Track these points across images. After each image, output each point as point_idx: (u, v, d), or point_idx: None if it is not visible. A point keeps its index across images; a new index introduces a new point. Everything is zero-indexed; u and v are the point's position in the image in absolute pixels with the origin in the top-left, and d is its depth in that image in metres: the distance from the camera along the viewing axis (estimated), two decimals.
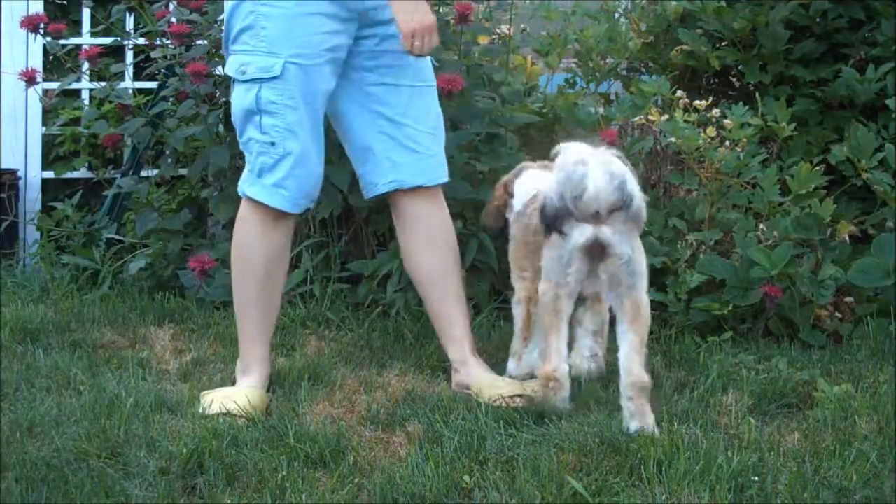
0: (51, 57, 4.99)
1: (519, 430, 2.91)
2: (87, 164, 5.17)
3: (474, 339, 3.42)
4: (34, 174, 5.13)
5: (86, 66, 4.61)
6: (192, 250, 4.30)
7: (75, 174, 5.19)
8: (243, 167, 3.29)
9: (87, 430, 2.91)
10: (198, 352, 3.70)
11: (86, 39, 5.10)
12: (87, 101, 5.18)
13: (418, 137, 3.31)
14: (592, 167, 2.84)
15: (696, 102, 4.08)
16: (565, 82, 4.78)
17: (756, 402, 3.18)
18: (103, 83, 4.69)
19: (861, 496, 2.59)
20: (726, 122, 4.01)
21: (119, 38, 4.81)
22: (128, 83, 5.00)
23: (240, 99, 3.20)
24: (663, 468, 2.66)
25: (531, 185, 3.36)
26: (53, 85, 4.92)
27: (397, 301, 3.95)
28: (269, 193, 3.20)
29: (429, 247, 3.38)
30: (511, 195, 3.43)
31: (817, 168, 4.02)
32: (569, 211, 2.86)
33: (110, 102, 4.89)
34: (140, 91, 5.02)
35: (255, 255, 3.26)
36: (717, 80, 4.87)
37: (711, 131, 3.97)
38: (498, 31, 4.59)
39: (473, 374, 3.29)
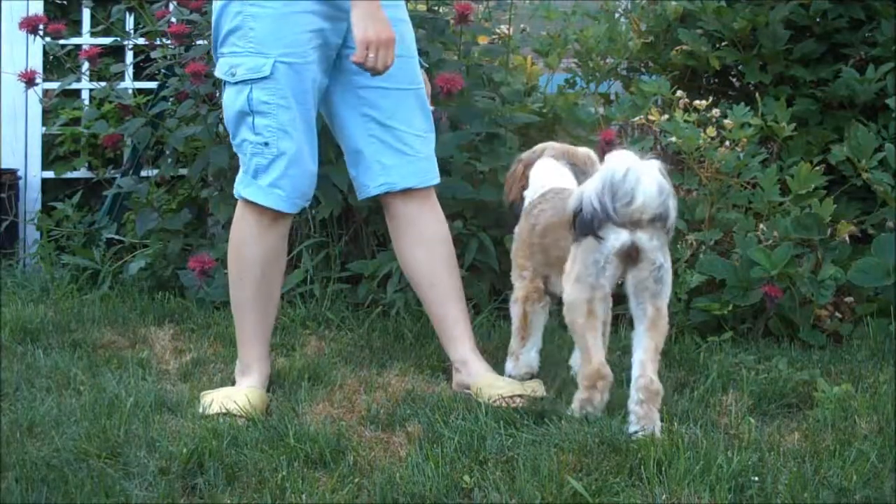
0: (51, 57, 4.99)
1: (519, 430, 2.91)
2: (87, 164, 5.17)
3: (475, 338, 3.41)
4: (34, 174, 5.13)
5: (86, 66, 4.61)
6: (192, 250, 4.30)
7: (75, 174, 5.19)
8: None
9: (87, 430, 2.91)
10: (198, 352, 3.70)
11: (86, 39, 5.10)
12: (87, 101, 5.18)
13: (408, 140, 3.31)
14: (645, 177, 2.86)
15: (696, 102, 4.08)
16: (565, 82, 4.78)
17: (756, 402, 3.18)
18: (103, 83, 4.69)
19: (861, 496, 2.59)
20: (726, 122, 4.01)
21: (119, 38, 4.81)
22: (128, 83, 5.00)
23: (231, 101, 3.20)
24: (663, 468, 2.66)
25: (544, 178, 3.37)
26: (53, 85, 4.92)
27: (397, 301, 3.96)
28: (265, 194, 3.20)
29: (423, 248, 3.37)
30: (526, 178, 3.43)
31: (817, 168, 4.02)
32: (608, 215, 2.87)
33: (110, 102, 4.89)
34: (140, 91, 5.02)
35: (251, 255, 3.26)
36: (717, 80, 4.87)
37: (711, 131, 3.97)
38: (498, 31, 4.59)
39: (474, 373, 3.29)
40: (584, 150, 3.46)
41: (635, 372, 2.96)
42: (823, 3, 4.49)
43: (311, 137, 3.24)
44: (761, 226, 3.91)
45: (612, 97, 4.90)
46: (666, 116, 4.06)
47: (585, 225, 2.90)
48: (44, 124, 5.17)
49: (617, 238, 2.91)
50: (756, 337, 3.79)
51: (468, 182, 4.09)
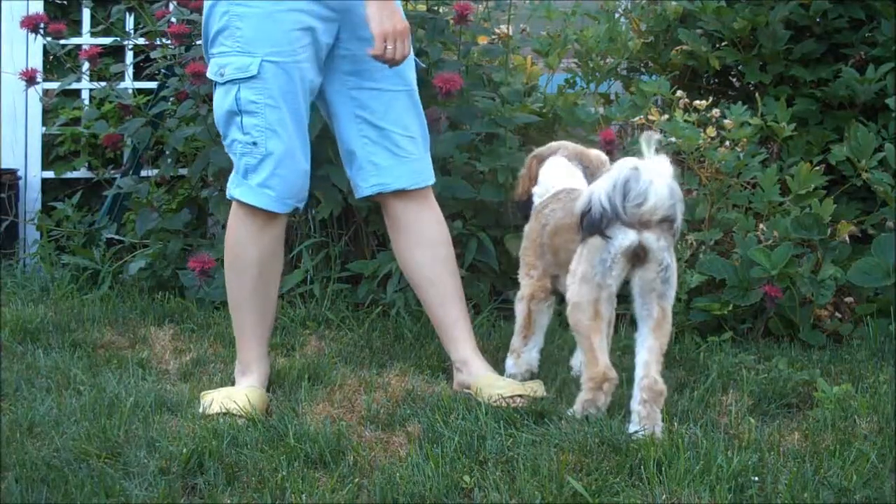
0: (51, 57, 4.99)
1: (519, 430, 2.91)
2: (87, 164, 5.17)
3: (475, 338, 3.41)
4: (34, 174, 5.13)
5: (86, 66, 4.61)
6: (192, 250, 4.30)
7: (75, 174, 5.18)
8: None
9: (87, 430, 2.92)
10: (198, 352, 3.70)
11: (86, 39, 5.10)
12: (87, 101, 5.18)
13: (400, 141, 3.31)
14: (657, 179, 2.88)
15: (696, 102, 4.08)
16: (565, 82, 4.78)
17: (756, 402, 3.18)
18: (103, 83, 4.69)
19: (861, 496, 2.59)
20: (726, 122, 4.01)
21: (119, 38, 4.81)
22: (128, 83, 5.00)
23: (220, 101, 3.20)
24: (663, 468, 2.66)
25: (556, 177, 3.37)
26: (53, 85, 4.92)
27: (397, 301, 3.96)
28: (255, 194, 3.20)
29: (422, 249, 3.37)
30: (536, 176, 3.43)
31: (817, 168, 4.02)
32: (617, 214, 2.88)
33: (110, 102, 4.89)
34: (140, 91, 5.02)
35: (247, 256, 3.25)
36: (717, 80, 4.87)
37: (711, 131, 3.97)
38: (497, 30, 4.59)
39: (475, 373, 3.29)
40: (596, 153, 3.47)
41: (639, 372, 2.96)
42: (823, 3, 4.49)
43: (303, 136, 3.23)
44: (761, 226, 3.91)
45: (612, 97, 4.90)
46: (666, 116, 4.06)
47: (593, 224, 2.90)
48: (44, 124, 5.17)
49: (625, 237, 2.91)
50: (756, 337, 3.79)
51: (468, 182, 4.09)
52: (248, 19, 3.13)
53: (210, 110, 4.29)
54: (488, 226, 4.13)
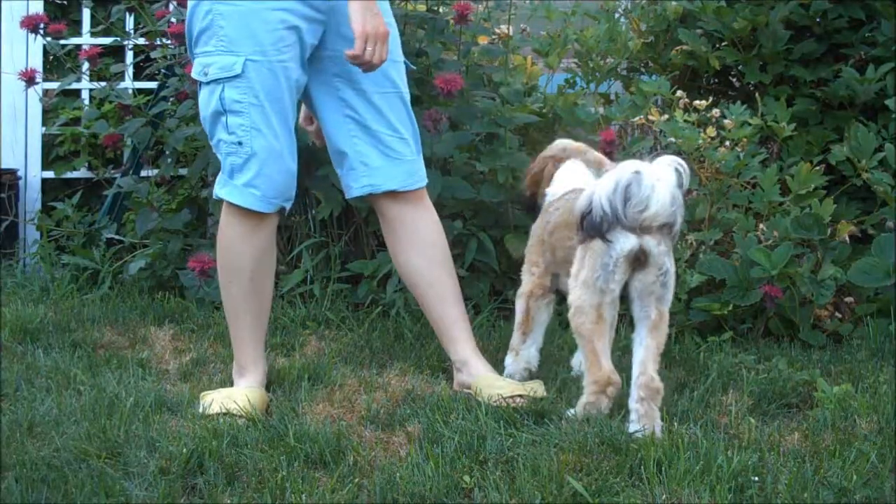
0: (51, 57, 4.98)
1: (519, 430, 2.91)
2: (87, 164, 5.17)
3: (475, 338, 3.41)
4: (34, 174, 5.13)
5: (86, 66, 4.61)
6: (192, 250, 4.30)
7: (75, 174, 5.18)
8: None
9: (87, 430, 2.92)
10: (198, 352, 3.70)
11: (86, 39, 5.10)
12: (87, 101, 5.18)
13: (391, 143, 3.30)
14: (659, 185, 2.87)
15: (696, 102, 4.08)
16: (565, 82, 4.78)
17: (756, 402, 3.18)
18: (103, 83, 4.69)
19: (861, 496, 2.59)
20: (726, 122, 4.01)
21: (119, 38, 4.81)
22: (128, 83, 5.00)
23: (206, 101, 3.19)
24: (663, 468, 2.66)
25: (568, 180, 3.37)
26: (53, 85, 4.92)
27: (397, 301, 3.96)
28: (240, 194, 3.19)
29: (418, 251, 3.37)
30: (551, 177, 3.43)
31: (817, 168, 4.02)
32: (617, 219, 2.88)
33: (110, 102, 4.89)
34: (140, 91, 5.02)
35: (239, 257, 3.24)
36: (717, 80, 4.87)
37: (711, 131, 3.97)
38: (497, 30, 4.59)
39: (475, 373, 3.29)
40: (611, 164, 3.46)
41: (636, 370, 2.97)
42: (823, 3, 4.49)
43: (289, 136, 3.22)
44: (761, 226, 3.91)
45: (612, 97, 4.90)
46: (666, 116, 4.06)
47: (594, 227, 2.90)
48: (44, 124, 5.17)
49: (626, 242, 2.92)
50: (756, 337, 3.79)
51: (468, 182, 4.09)
52: (232, 18, 3.11)
53: None
54: (488, 226, 4.13)
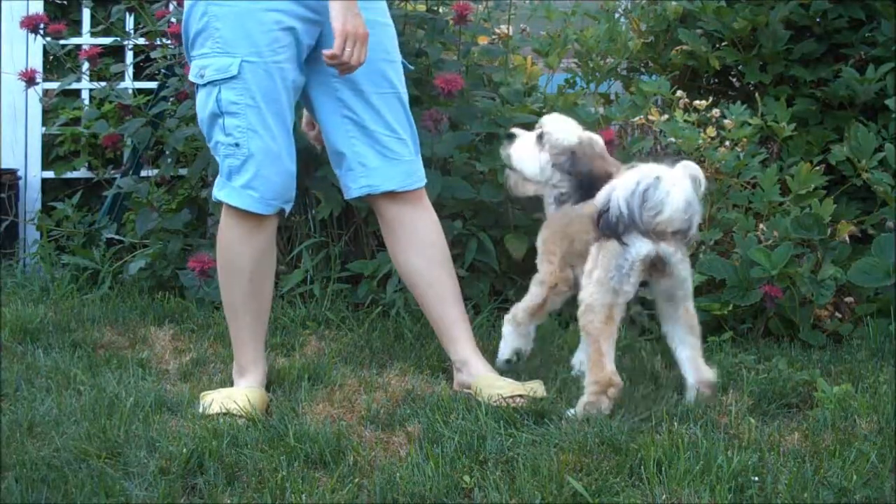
0: (51, 57, 4.99)
1: (519, 430, 2.91)
2: (87, 164, 5.17)
3: (475, 338, 3.41)
4: (34, 174, 5.13)
5: (86, 66, 4.61)
6: (192, 250, 4.30)
7: (75, 174, 5.18)
8: None
9: (87, 430, 2.92)
10: (198, 352, 3.70)
11: (86, 39, 5.10)
12: (87, 101, 5.18)
13: (388, 143, 3.30)
14: (675, 190, 2.90)
15: (696, 102, 4.08)
16: (565, 82, 4.78)
17: (756, 402, 3.18)
18: (103, 83, 4.69)
19: (861, 496, 2.59)
20: (726, 122, 4.02)
21: (119, 38, 4.81)
22: (128, 83, 5.00)
23: (203, 103, 3.18)
24: (663, 468, 2.66)
25: None
26: (53, 85, 4.92)
27: (397, 301, 3.96)
28: (238, 195, 3.18)
29: (417, 251, 3.37)
30: None
31: (817, 168, 4.02)
32: (633, 221, 2.88)
33: (110, 102, 4.89)
34: (140, 91, 5.02)
35: (239, 258, 3.24)
36: (717, 80, 4.87)
37: (711, 131, 3.97)
38: (497, 31, 4.59)
39: (475, 373, 3.29)
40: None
41: (689, 369, 3.10)
42: (823, 3, 4.49)
43: (287, 137, 3.21)
44: (761, 226, 3.91)
45: (612, 97, 4.90)
46: (666, 116, 4.06)
47: (610, 226, 2.91)
48: (44, 124, 5.17)
49: (642, 246, 2.95)
50: (756, 337, 3.79)
51: (468, 182, 4.09)
52: (226, 19, 3.11)
53: None
54: (488, 226, 4.12)
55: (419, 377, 3.41)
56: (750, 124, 4.04)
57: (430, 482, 2.62)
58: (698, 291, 3.80)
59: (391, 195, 3.33)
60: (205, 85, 3.15)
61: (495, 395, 3.14)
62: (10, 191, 4.95)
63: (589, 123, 4.25)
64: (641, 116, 4.16)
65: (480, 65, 4.45)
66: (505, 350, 3.43)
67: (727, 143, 3.99)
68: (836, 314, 3.87)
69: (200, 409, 3.13)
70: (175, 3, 4.55)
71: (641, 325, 3.81)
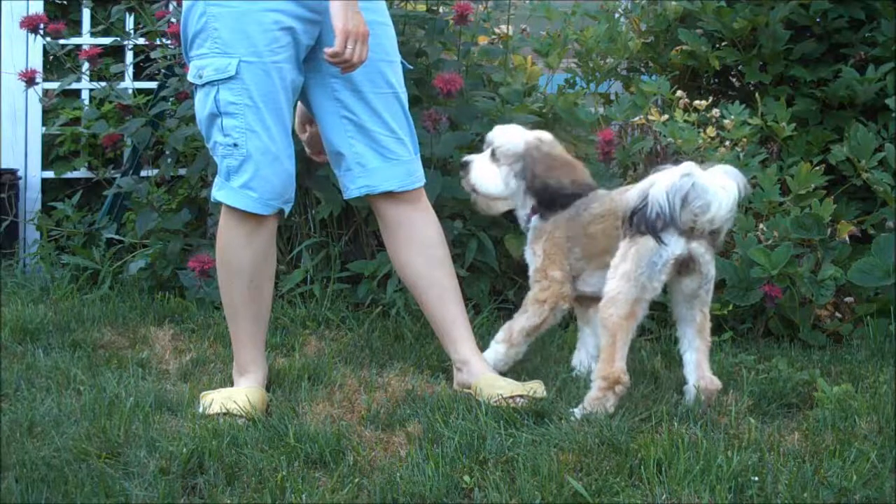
0: (51, 57, 4.99)
1: (519, 430, 2.91)
2: (87, 164, 5.17)
3: (475, 337, 3.41)
4: (34, 174, 5.13)
5: (86, 66, 4.61)
6: (192, 250, 4.30)
7: (75, 174, 5.18)
8: None
9: (87, 430, 2.92)
10: (198, 352, 3.70)
11: (86, 39, 5.10)
12: (87, 101, 5.18)
13: (387, 144, 3.30)
14: (721, 191, 2.92)
15: (696, 102, 4.08)
16: (565, 82, 4.78)
17: (756, 402, 3.18)
18: (103, 83, 4.69)
19: (861, 496, 2.59)
20: (726, 122, 4.02)
21: (119, 38, 4.81)
22: (128, 83, 5.00)
23: (201, 104, 3.18)
24: (663, 468, 2.66)
25: None
26: (53, 85, 4.92)
27: (397, 301, 3.96)
28: (237, 196, 3.18)
29: (417, 251, 3.37)
30: None
31: (817, 168, 4.02)
32: (672, 219, 2.90)
33: (110, 102, 4.90)
34: (140, 91, 5.02)
35: (238, 260, 3.24)
36: (717, 80, 4.87)
37: (711, 131, 3.97)
38: (497, 30, 4.59)
39: (475, 373, 3.29)
40: None
41: (693, 373, 3.10)
42: (823, 3, 4.49)
43: (286, 137, 3.21)
44: (761, 226, 3.91)
45: (612, 97, 4.90)
46: (666, 116, 4.06)
47: (648, 224, 2.92)
48: (44, 124, 5.17)
49: (677, 246, 2.97)
50: (756, 337, 3.79)
51: None
52: (226, 20, 3.11)
53: None
54: (488, 226, 4.12)
55: (419, 377, 3.41)
56: (750, 124, 4.04)
57: (430, 482, 2.62)
58: None
59: (390, 195, 3.32)
60: (203, 85, 3.15)
61: (495, 395, 3.14)
62: (10, 191, 4.95)
63: (589, 123, 4.27)
64: (641, 116, 4.16)
65: (480, 65, 4.45)
66: (498, 364, 3.38)
67: (727, 143, 3.99)
68: (836, 314, 3.87)
69: (200, 409, 3.13)
70: (175, 3, 4.55)
71: (641, 324, 3.81)
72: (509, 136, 3.40)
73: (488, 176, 3.40)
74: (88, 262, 4.48)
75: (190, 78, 3.20)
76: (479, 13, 4.47)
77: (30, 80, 4.46)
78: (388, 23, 3.33)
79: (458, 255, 3.96)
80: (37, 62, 5.06)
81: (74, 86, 4.94)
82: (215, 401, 3.14)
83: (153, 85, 4.87)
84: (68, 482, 2.64)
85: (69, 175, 5.18)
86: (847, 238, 3.97)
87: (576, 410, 3.03)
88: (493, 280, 4.11)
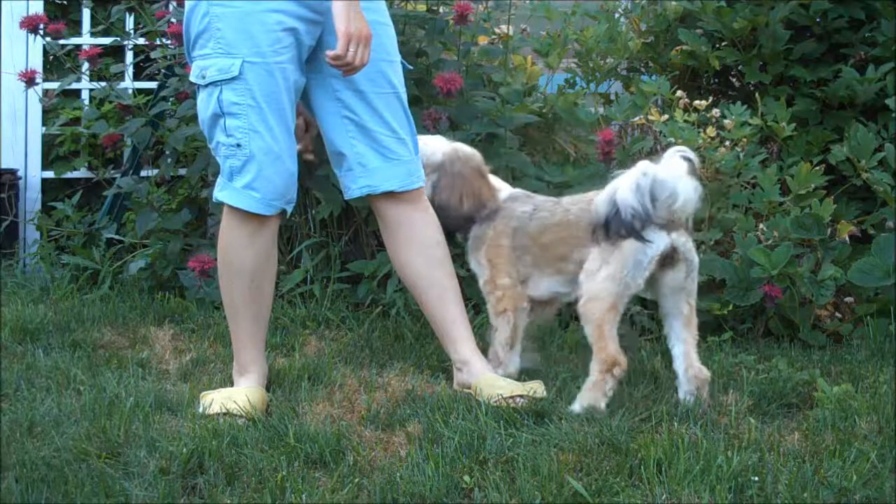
0: (51, 57, 4.99)
1: (519, 430, 2.91)
2: (87, 164, 5.17)
3: (475, 337, 3.41)
4: (34, 174, 5.13)
5: (86, 66, 4.61)
6: (192, 250, 4.30)
7: (75, 174, 5.18)
8: None
9: (87, 430, 2.92)
10: (198, 352, 3.70)
11: (86, 39, 5.10)
12: (87, 101, 5.18)
13: (388, 144, 3.30)
14: (682, 178, 2.97)
15: (696, 102, 4.08)
16: (565, 82, 4.78)
17: (756, 402, 3.18)
18: (103, 83, 4.69)
19: (861, 496, 2.59)
20: (726, 122, 4.01)
21: (119, 38, 4.81)
22: (128, 83, 5.00)
23: (204, 105, 3.18)
24: (663, 468, 2.66)
25: (500, 183, 3.45)
26: (53, 85, 4.92)
27: (397, 301, 3.96)
28: (240, 196, 3.18)
29: (415, 250, 3.37)
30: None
31: (817, 168, 4.02)
32: (649, 215, 2.93)
33: (110, 102, 4.89)
34: (140, 91, 5.02)
35: (240, 261, 3.24)
36: (717, 80, 4.87)
37: (711, 131, 3.97)
38: (497, 30, 4.59)
39: (475, 373, 3.29)
40: None
41: (681, 364, 3.12)
42: (823, 3, 4.49)
43: (288, 137, 3.21)
44: (761, 226, 3.91)
45: (612, 97, 4.90)
46: (666, 116, 4.06)
47: (626, 226, 2.95)
48: (44, 124, 5.17)
49: (660, 240, 3.00)
50: (756, 337, 3.79)
51: None
52: (228, 20, 3.11)
53: None
54: None
55: (419, 377, 3.41)
56: (750, 124, 4.04)
57: (430, 482, 2.62)
58: (698, 291, 3.80)
59: (391, 195, 3.33)
60: (206, 86, 3.15)
61: (495, 395, 3.14)
62: (10, 191, 4.95)
63: (589, 123, 4.27)
64: (641, 116, 4.16)
65: (480, 65, 4.45)
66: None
67: (727, 143, 3.98)
68: (836, 314, 3.87)
69: (200, 409, 3.13)
70: (175, 3, 4.55)
71: (641, 325, 3.81)
72: (432, 147, 3.45)
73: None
74: (88, 262, 4.48)
75: (192, 78, 3.20)
76: (479, 13, 4.47)
77: (30, 80, 4.46)
78: (389, 23, 3.33)
79: (458, 255, 3.96)
80: (37, 62, 5.06)
81: (74, 86, 4.94)
82: (215, 401, 3.14)
83: (153, 85, 4.87)
84: (68, 482, 2.64)
85: (69, 175, 5.18)
86: (847, 238, 3.97)
87: (575, 405, 3.04)
88: None
